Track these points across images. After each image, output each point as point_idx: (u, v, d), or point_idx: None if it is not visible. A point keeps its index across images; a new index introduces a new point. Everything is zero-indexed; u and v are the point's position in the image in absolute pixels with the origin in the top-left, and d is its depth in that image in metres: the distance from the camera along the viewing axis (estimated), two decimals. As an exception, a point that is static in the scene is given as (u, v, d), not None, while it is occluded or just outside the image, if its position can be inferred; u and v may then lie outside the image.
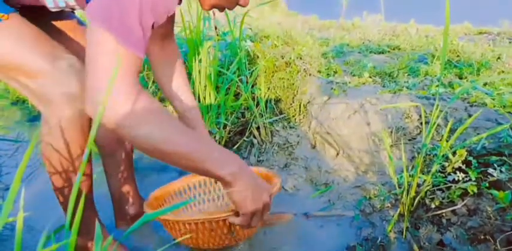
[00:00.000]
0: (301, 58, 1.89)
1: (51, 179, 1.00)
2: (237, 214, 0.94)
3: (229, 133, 1.83)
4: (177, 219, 1.00)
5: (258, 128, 1.73)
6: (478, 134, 1.21)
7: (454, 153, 1.08)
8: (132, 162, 1.34)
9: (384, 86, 1.76)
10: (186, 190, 1.35)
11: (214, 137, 1.78)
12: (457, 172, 1.07)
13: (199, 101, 1.79)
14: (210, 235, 1.03)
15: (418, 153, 1.29)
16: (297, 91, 1.83)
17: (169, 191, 1.30)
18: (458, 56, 2.50)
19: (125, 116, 0.78)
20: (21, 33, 0.94)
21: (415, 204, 1.13)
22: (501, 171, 1.03)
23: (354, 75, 2.01)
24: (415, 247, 1.05)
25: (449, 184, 1.09)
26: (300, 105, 1.80)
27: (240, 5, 1.01)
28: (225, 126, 1.80)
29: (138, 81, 0.81)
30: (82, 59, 0.92)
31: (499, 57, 2.43)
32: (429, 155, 1.23)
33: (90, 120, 0.99)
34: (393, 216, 1.18)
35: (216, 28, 2.38)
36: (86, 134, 0.99)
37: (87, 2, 0.80)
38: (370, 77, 1.92)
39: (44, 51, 0.95)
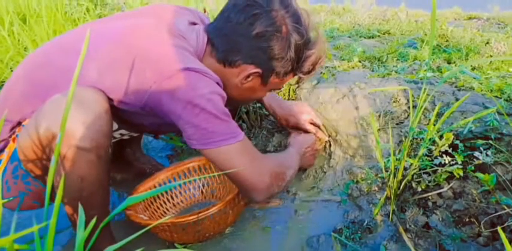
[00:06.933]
0: (290, 42, 1.87)
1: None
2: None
3: (217, 118, 1.81)
4: (148, 222, 1.06)
5: (247, 113, 1.72)
6: (465, 118, 1.21)
7: (440, 137, 1.08)
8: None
9: (373, 71, 1.76)
10: (171, 180, 1.35)
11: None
12: (444, 156, 1.08)
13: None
14: (182, 233, 1.09)
15: (405, 137, 1.29)
16: (286, 75, 1.82)
17: (153, 185, 1.30)
18: (447, 41, 2.49)
19: (275, 184, 1.06)
20: None
21: (401, 187, 1.14)
22: (487, 155, 1.04)
23: (343, 60, 2.00)
24: (401, 229, 1.06)
25: (436, 168, 1.10)
26: (289, 90, 1.79)
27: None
28: (213, 110, 1.79)
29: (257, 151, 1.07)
30: None
31: (487, 42, 2.43)
32: (416, 139, 1.23)
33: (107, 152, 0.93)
34: (380, 199, 1.19)
35: (205, 11, 2.35)
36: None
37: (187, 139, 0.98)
38: (360, 62, 1.91)
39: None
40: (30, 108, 0.96)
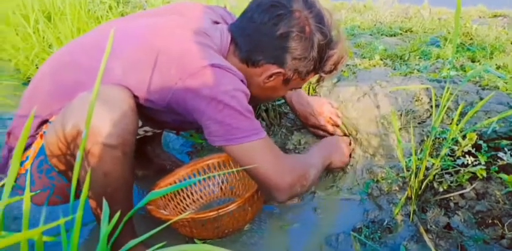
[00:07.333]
0: (311, 40, 1.86)
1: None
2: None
3: (237, 115, 1.82)
4: (169, 217, 1.08)
5: (266, 111, 1.72)
6: (489, 117, 1.19)
7: (463, 137, 1.07)
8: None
9: (394, 69, 1.74)
10: (191, 177, 1.36)
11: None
12: (467, 156, 1.06)
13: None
14: (202, 228, 1.10)
15: (427, 136, 1.28)
16: (306, 73, 1.82)
17: (173, 181, 1.32)
18: (471, 39, 2.44)
19: (298, 184, 1.04)
20: None
21: (423, 187, 1.12)
22: (511, 155, 1.02)
23: (364, 58, 1.98)
24: (422, 229, 1.05)
25: (458, 168, 1.08)
26: (309, 88, 1.79)
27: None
28: (233, 108, 1.79)
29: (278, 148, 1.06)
30: None
31: (513, 41, 2.37)
32: (438, 138, 1.22)
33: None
34: (400, 199, 1.18)
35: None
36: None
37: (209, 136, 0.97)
38: (381, 60, 1.89)
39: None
40: (57, 106, 0.99)
